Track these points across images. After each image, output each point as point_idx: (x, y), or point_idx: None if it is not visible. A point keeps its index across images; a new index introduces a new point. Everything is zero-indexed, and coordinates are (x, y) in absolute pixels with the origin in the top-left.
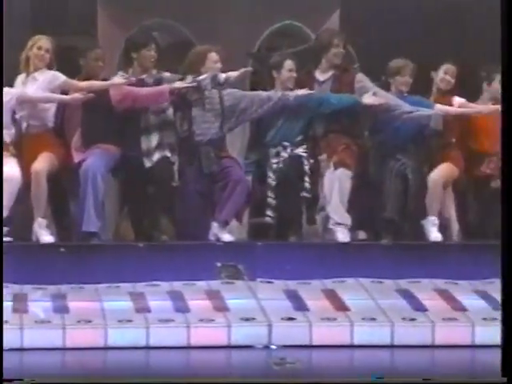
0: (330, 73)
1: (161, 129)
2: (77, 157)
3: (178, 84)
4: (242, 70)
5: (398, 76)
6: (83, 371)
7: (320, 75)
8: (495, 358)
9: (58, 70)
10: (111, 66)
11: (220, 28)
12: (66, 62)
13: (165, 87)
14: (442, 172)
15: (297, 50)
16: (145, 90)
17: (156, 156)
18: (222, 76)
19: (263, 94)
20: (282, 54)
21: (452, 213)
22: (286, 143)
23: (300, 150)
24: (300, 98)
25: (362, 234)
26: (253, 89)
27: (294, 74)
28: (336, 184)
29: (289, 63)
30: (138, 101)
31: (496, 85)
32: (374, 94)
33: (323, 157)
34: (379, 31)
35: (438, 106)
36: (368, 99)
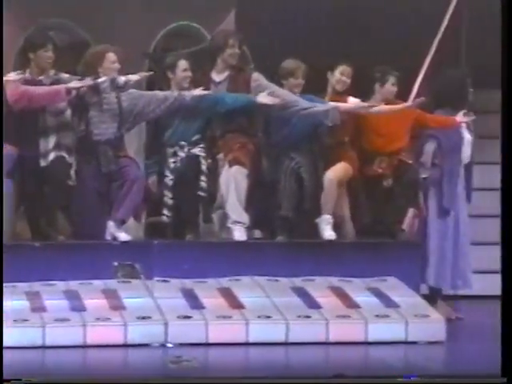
0: (226, 73)
1: (58, 130)
2: None
3: (74, 84)
4: (142, 73)
5: (290, 78)
6: None
7: (216, 76)
8: (387, 354)
9: None
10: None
11: (117, 28)
12: None
13: (61, 87)
14: (337, 171)
15: (192, 51)
16: (41, 90)
17: (52, 156)
18: (122, 79)
19: (160, 94)
20: (176, 54)
21: (346, 211)
22: (183, 143)
23: (197, 150)
24: (196, 97)
25: (258, 233)
26: (149, 89)
27: (189, 74)
28: (232, 182)
29: (183, 63)
30: (33, 100)
31: (388, 86)
32: (270, 93)
33: (220, 156)
34: (275, 32)
35: (333, 103)
36: (263, 99)
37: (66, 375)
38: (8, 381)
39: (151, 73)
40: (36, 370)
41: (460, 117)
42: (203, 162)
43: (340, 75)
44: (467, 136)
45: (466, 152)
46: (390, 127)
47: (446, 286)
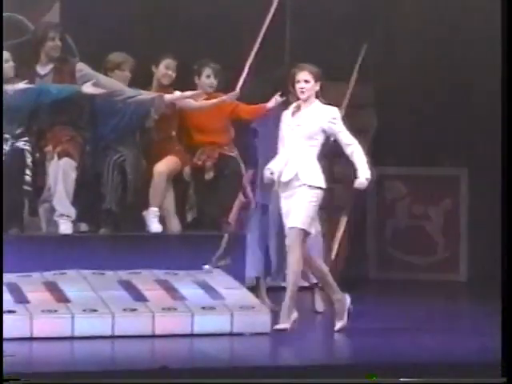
0: (51, 66)
1: None
2: None
3: None
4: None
5: (117, 70)
6: None
7: (40, 69)
8: (213, 346)
9: None
10: None
11: None
12: None
13: None
14: (166, 164)
15: (16, 43)
16: None
17: None
18: None
19: None
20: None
21: (171, 204)
22: (7, 136)
23: (21, 143)
24: (19, 91)
25: (84, 226)
26: None
27: (11, 64)
28: (60, 175)
29: (5, 55)
30: None
31: (203, 78)
32: (95, 83)
33: (48, 148)
34: (101, 24)
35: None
36: (87, 88)
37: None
38: (8, 380)
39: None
40: None
41: (271, 102)
42: (28, 155)
43: (165, 69)
44: None
45: None
46: (208, 121)
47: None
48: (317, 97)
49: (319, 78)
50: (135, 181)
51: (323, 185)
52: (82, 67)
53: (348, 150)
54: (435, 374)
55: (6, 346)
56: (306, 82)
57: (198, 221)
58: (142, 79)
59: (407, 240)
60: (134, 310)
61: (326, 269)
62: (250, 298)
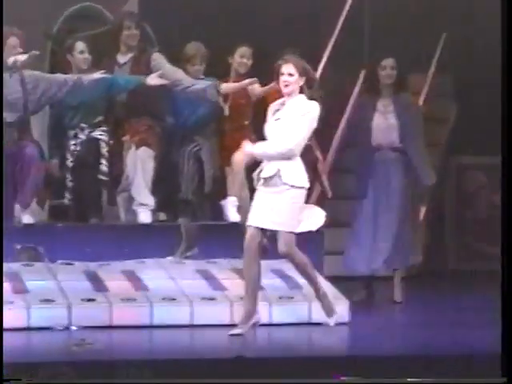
0: (130, 55)
1: None
2: None
3: None
4: (31, 52)
5: (191, 62)
6: None
7: (121, 57)
8: (291, 335)
9: None
10: None
11: (19, 9)
12: None
13: None
14: (244, 153)
15: (95, 33)
16: None
17: None
18: (11, 60)
19: (60, 77)
20: (76, 36)
21: (248, 194)
22: (83, 125)
23: (97, 133)
24: (93, 81)
25: (162, 215)
26: (52, 71)
27: (86, 56)
28: (138, 164)
29: (79, 45)
30: None
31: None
32: (160, 74)
33: (126, 138)
34: (179, 14)
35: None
36: (152, 80)
37: None
38: (8, 380)
39: (37, 52)
40: None
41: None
42: (103, 145)
43: (240, 58)
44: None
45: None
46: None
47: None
48: (302, 92)
49: (305, 73)
50: (211, 170)
51: (306, 184)
52: (156, 57)
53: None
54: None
55: (85, 333)
56: (290, 75)
57: None
58: (221, 69)
59: (487, 230)
60: (213, 299)
61: (308, 263)
62: (328, 287)
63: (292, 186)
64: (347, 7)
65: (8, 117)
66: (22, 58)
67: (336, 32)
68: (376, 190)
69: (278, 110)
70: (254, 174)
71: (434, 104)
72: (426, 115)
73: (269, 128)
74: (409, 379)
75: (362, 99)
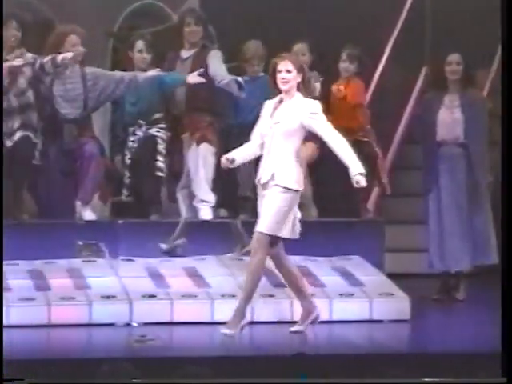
0: (193, 51)
1: (22, 110)
2: None
3: (15, 62)
4: (78, 50)
5: (250, 60)
6: None
7: (184, 53)
8: (351, 332)
9: None
10: None
11: (81, 6)
12: None
13: (4, 65)
14: (306, 151)
15: (156, 30)
16: None
17: (17, 136)
18: (59, 57)
19: (117, 74)
20: (137, 34)
21: (309, 190)
22: (141, 122)
23: (154, 130)
24: (147, 78)
25: (223, 212)
26: (113, 68)
27: (145, 55)
28: (199, 161)
29: (139, 44)
30: None
31: (340, 63)
32: (201, 72)
33: (186, 135)
34: (240, 11)
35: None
36: (192, 78)
37: (30, 355)
38: (8, 380)
39: (84, 50)
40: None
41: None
42: (161, 141)
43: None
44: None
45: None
46: (340, 106)
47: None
48: (298, 89)
49: (301, 69)
50: None
51: (298, 187)
52: (213, 54)
53: (334, 146)
54: None
55: (146, 330)
56: (288, 71)
57: (335, 207)
58: None
59: None
60: (272, 295)
61: (297, 272)
62: (389, 284)
63: (284, 189)
64: (408, 4)
65: (68, 113)
66: (69, 55)
67: (397, 28)
68: (440, 186)
69: (275, 109)
70: (256, 181)
71: (497, 101)
72: (489, 112)
73: (267, 130)
74: (409, 379)
75: (428, 95)
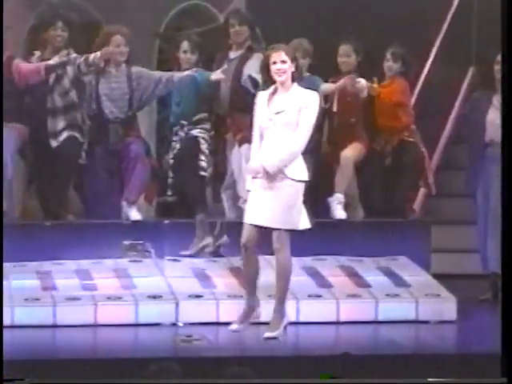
0: (239, 52)
1: (68, 110)
2: None
3: (52, 61)
4: (104, 49)
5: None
6: None
7: (231, 54)
8: (397, 333)
9: None
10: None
11: (127, 7)
12: None
13: (41, 64)
14: (353, 150)
15: (203, 30)
16: (25, 66)
17: (63, 136)
18: (91, 57)
19: (157, 74)
20: (183, 34)
21: (355, 190)
22: (184, 122)
23: (196, 131)
24: (182, 78)
25: None
26: (159, 68)
27: (189, 56)
28: (242, 162)
29: (184, 45)
30: (21, 76)
31: (385, 62)
32: (223, 69)
33: (229, 135)
34: (286, 11)
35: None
36: (215, 76)
37: (76, 355)
38: (8, 380)
39: (111, 49)
40: (45, 349)
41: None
42: (203, 142)
43: (340, 56)
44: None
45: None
46: (386, 105)
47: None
48: (293, 80)
49: (295, 59)
50: (315, 167)
51: (306, 177)
52: (256, 56)
53: (289, 139)
54: None
55: (192, 330)
56: (283, 62)
57: (381, 207)
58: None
59: None
60: (319, 296)
61: (290, 269)
62: (435, 285)
63: (293, 180)
64: (456, 2)
65: (113, 113)
66: (98, 54)
67: (444, 28)
68: (488, 186)
69: (270, 101)
70: (249, 173)
71: None
72: None
73: (267, 123)
74: (410, 379)
75: (476, 94)
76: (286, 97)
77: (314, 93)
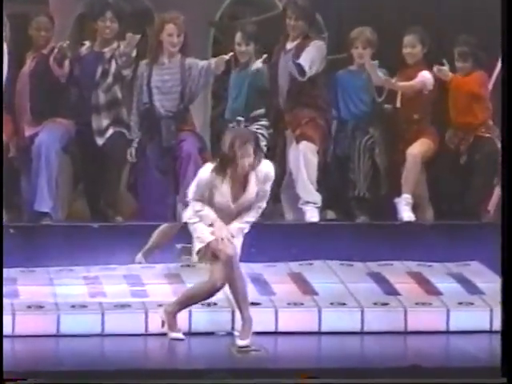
0: (296, 42)
1: (111, 106)
2: (28, 131)
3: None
4: (129, 36)
5: (355, 46)
6: (32, 360)
7: (289, 45)
8: (471, 344)
9: (10, 39)
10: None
11: None
12: (16, 31)
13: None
14: (420, 147)
15: (260, 19)
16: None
17: (109, 133)
18: (121, 48)
19: (200, 63)
20: (237, 24)
21: (425, 191)
22: (240, 118)
23: (255, 127)
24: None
25: (331, 214)
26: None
27: (243, 48)
28: (301, 160)
29: (237, 37)
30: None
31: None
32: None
33: (288, 132)
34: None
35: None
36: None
37: (125, 365)
38: (9, 380)
39: (138, 36)
40: (93, 359)
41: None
42: (261, 139)
43: (405, 48)
44: None
45: None
46: (462, 100)
47: None
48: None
49: None
50: (386, 165)
51: None
52: (313, 44)
53: None
54: None
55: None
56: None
57: (453, 209)
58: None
59: None
60: (386, 304)
61: (244, 280)
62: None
63: None
64: None
65: (164, 107)
66: (125, 42)
67: None
68: None
69: None
70: None
71: None
72: None
73: None
74: (410, 379)
75: None
76: None
77: None
